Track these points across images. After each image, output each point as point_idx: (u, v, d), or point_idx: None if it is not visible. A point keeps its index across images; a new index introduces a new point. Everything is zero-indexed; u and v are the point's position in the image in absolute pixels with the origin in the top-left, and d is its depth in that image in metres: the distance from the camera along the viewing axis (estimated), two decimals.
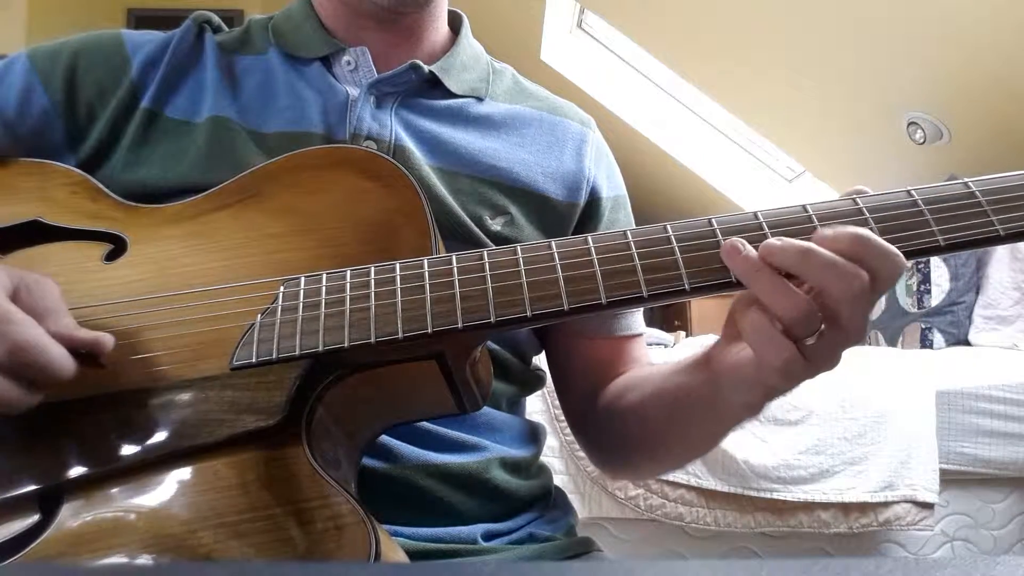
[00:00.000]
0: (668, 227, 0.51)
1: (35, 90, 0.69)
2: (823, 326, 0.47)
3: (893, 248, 0.47)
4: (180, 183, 0.65)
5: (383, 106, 0.71)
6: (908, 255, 0.49)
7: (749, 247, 0.48)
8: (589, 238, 0.52)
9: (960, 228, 0.49)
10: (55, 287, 0.50)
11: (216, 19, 0.77)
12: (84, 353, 0.48)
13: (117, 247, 0.58)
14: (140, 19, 3.81)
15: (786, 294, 0.46)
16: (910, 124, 2.79)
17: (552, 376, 0.81)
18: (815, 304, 0.47)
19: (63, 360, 0.46)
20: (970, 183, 0.51)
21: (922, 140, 2.80)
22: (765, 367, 0.50)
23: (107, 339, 0.49)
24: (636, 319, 0.79)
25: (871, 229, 0.49)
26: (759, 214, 0.51)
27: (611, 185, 0.80)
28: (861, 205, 0.51)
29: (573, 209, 0.75)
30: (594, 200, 0.77)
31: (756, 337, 0.48)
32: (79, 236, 0.59)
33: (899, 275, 0.48)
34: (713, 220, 0.51)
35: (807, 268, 0.47)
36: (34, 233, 0.59)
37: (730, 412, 0.58)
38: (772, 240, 0.48)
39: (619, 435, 0.73)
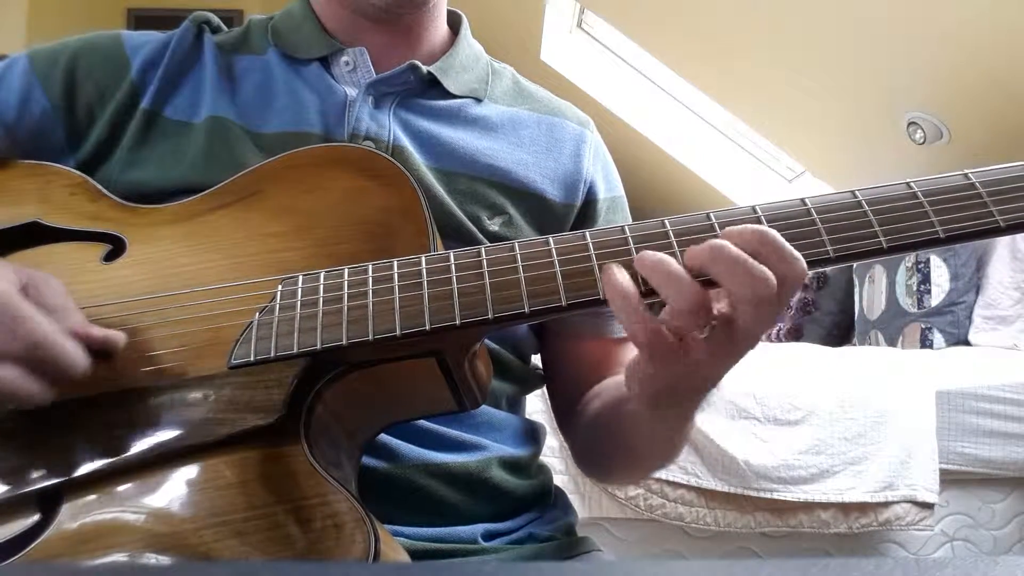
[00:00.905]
0: (666, 222, 0.51)
1: (35, 92, 0.69)
2: (714, 323, 0.46)
3: (794, 251, 0.46)
4: (179, 183, 0.65)
5: (381, 106, 0.71)
6: (908, 247, 0.49)
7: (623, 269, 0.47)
8: (587, 234, 0.52)
9: (960, 219, 0.49)
10: (61, 285, 0.51)
11: (215, 19, 0.77)
12: (96, 350, 0.48)
13: (116, 248, 0.58)
14: (140, 19, 3.82)
15: (677, 281, 0.45)
16: (910, 124, 2.78)
17: (546, 377, 0.81)
18: (707, 296, 0.46)
19: (78, 355, 0.47)
20: (970, 174, 0.51)
21: (922, 140, 2.80)
22: (645, 361, 0.49)
23: (119, 336, 0.50)
24: None
25: (870, 221, 0.49)
26: (757, 208, 0.51)
27: (608, 186, 0.80)
28: (860, 198, 0.50)
29: (570, 210, 0.75)
30: (591, 201, 0.77)
31: (621, 313, 0.47)
32: (78, 237, 0.59)
33: (800, 281, 0.46)
34: (711, 214, 0.51)
35: (713, 265, 0.46)
36: (34, 234, 0.60)
37: (648, 422, 0.57)
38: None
39: (586, 443, 0.74)
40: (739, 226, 0.47)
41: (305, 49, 0.73)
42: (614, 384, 0.69)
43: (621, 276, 0.47)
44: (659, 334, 0.47)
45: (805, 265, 0.46)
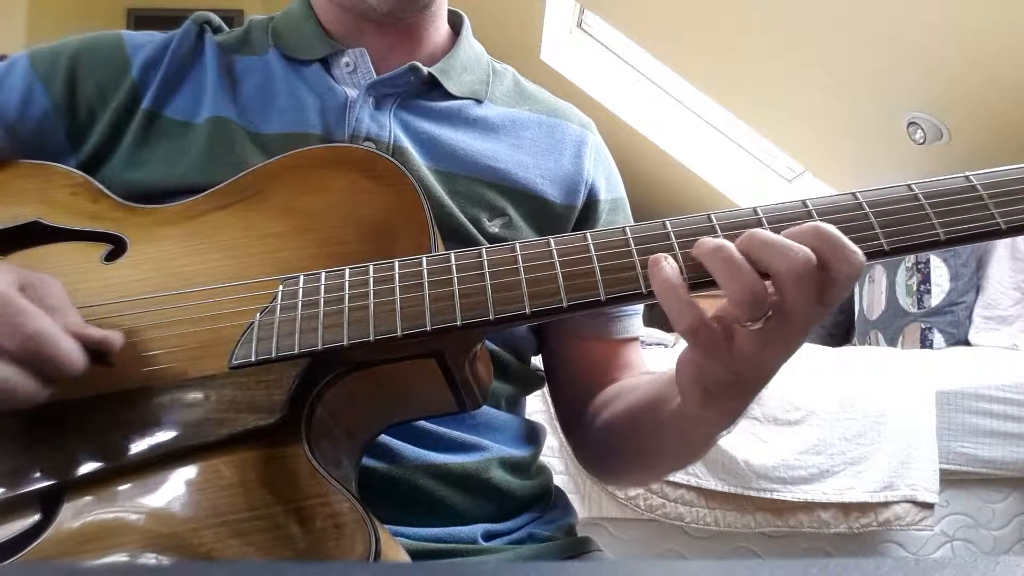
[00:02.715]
0: (667, 223, 0.51)
1: (36, 92, 0.69)
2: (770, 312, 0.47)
3: (846, 240, 0.46)
4: (180, 183, 0.65)
5: (382, 107, 0.71)
6: (909, 249, 0.49)
7: (671, 260, 0.48)
8: (588, 235, 0.52)
9: (961, 221, 0.49)
10: (60, 286, 0.50)
11: (216, 19, 0.77)
12: (93, 351, 0.48)
13: (117, 247, 0.58)
14: (140, 19, 3.81)
15: (738, 271, 0.46)
16: (910, 124, 2.79)
17: (547, 378, 0.80)
18: (764, 285, 0.46)
19: (75, 353, 0.46)
20: (971, 176, 0.51)
21: (922, 140, 2.80)
22: (695, 354, 0.50)
23: (116, 337, 0.49)
24: (633, 322, 0.79)
25: (871, 223, 0.49)
26: (759, 209, 0.51)
27: (609, 187, 0.80)
28: (861, 200, 0.50)
29: (571, 211, 0.75)
30: (592, 202, 0.77)
31: (668, 304, 0.47)
32: (79, 237, 0.59)
33: (853, 268, 0.46)
34: (712, 216, 0.51)
35: (751, 246, 0.46)
36: (34, 234, 0.59)
37: (694, 422, 0.57)
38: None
39: (603, 444, 0.73)
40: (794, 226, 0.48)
41: (305, 50, 0.73)
42: (645, 383, 0.68)
43: (667, 265, 0.47)
44: (707, 325, 0.47)
45: (860, 254, 0.46)
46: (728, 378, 0.50)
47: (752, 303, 0.46)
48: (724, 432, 0.58)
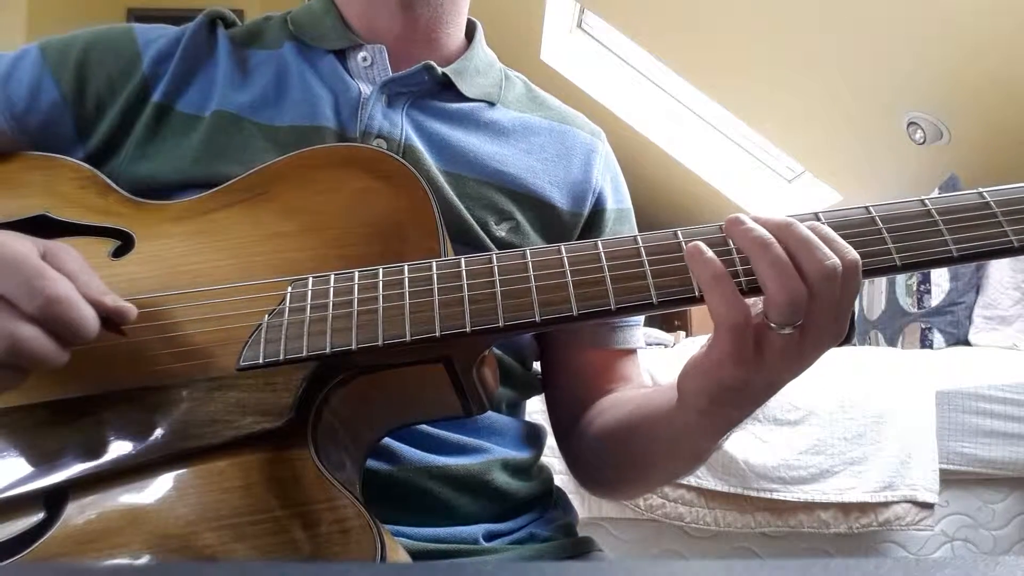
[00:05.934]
0: (679, 233, 0.51)
1: (45, 83, 0.68)
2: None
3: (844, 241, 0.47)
4: (183, 178, 0.65)
5: (395, 105, 0.71)
6: (921, 265, 0.49)
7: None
8: (599, 243, 0.51)
9: (973, 238, 0.49)
10: (79, 254, 0.50)
11: (230, 15, 0.77)
12: (108, 319, 0.48)
13: (124, 243, 0.58)
14: (140, 19, 3.81)
15: (788, 274, 0.45)
16: (910, 124, 2.79)
17: (544, 385, 0.80)
18: (804, 287, 0.46)
19: (91, 319, 0.46)
20: (984, 193, 0.51)
21: (922, 140, 2.80)
22: (718, 341, 0.48)
23: (131, 309, 0.49)
24: (634, 334, 0.78)
25: (884, 239, 0.49)
26: None
27: (617, 197, 0.79)
28: (874, 214, 0.50)
29: (577, 219, 0.75)
30: (598, 210, 0.77)
31: (713, 290, 0.47)
32: (86, 232, 0.59)
33: (853, 270, 0.47)
34: (723, 226, 0.51)
35: (787, 237, 0.46)
36: (42, 227, 0.59)
37: (687, 430, 0.56)
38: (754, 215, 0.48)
39: (594, 453, 0.72)
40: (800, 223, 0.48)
41: (324, 40, 0.73)
42: (642, 395, 0.67)
43: (713, 256, 0.47)
44: (751, 325, 0.47)
45: (856, 255, 0.47)
46: (739, 386, 0.50)
47: (794, 304, 0.45)
48: (715, 447, 0.57)
